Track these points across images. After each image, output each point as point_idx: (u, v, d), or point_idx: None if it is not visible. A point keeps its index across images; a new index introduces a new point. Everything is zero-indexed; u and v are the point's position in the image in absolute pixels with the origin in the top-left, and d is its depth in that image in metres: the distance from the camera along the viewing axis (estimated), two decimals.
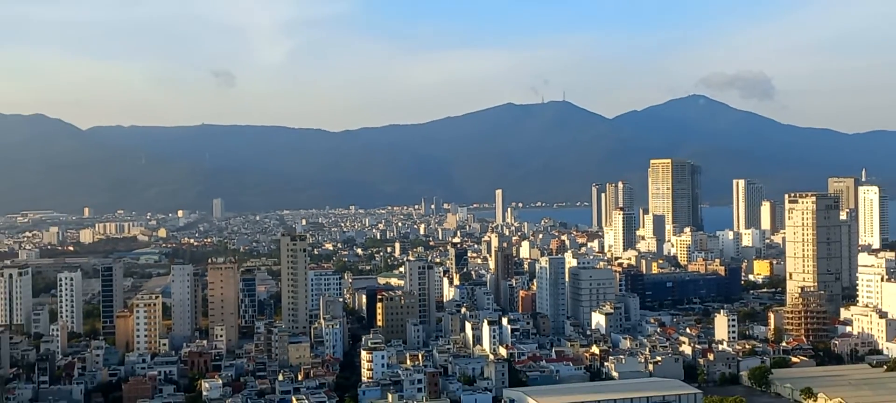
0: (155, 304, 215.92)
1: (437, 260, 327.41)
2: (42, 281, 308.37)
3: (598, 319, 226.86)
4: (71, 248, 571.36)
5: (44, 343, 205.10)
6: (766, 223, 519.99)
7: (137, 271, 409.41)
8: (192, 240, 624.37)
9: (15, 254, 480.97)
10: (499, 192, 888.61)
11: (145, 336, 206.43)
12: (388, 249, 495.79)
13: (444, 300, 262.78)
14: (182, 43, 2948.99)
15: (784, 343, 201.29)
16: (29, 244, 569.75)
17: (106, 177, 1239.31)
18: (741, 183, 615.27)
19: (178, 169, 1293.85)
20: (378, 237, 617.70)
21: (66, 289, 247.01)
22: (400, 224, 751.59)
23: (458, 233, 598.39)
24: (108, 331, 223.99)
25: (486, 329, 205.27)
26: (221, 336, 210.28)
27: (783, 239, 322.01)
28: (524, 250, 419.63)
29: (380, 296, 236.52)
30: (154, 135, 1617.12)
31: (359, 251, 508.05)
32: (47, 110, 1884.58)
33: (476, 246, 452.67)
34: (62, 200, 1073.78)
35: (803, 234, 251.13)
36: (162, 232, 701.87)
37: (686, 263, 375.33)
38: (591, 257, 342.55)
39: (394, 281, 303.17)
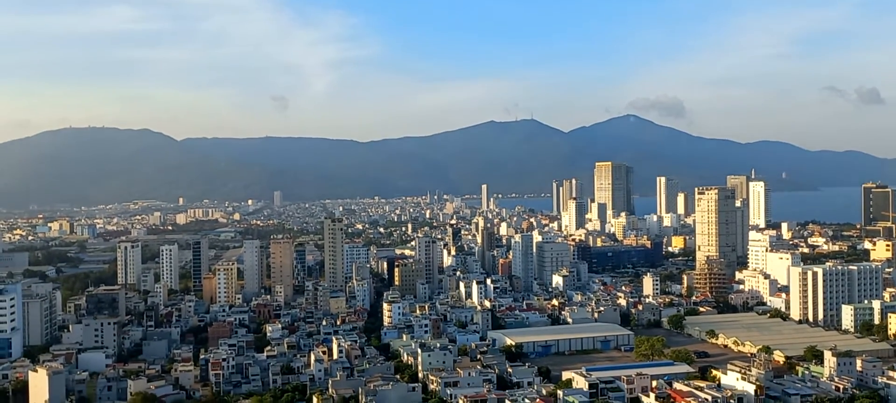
0: (231, 269, 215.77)
1: (439, 236, 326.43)
2: (148, 252, 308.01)
3: (557, 280, 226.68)
4: (170, 228, 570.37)
5: (150, 298, 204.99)
6: (681, 209, 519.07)
7: (218, 245, 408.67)
8: (258, 222, 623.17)
9: (129, 232, 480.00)
10: (484, 186, 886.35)
11: (225, 292, 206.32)
12: (403, 228, 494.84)
13: (444, 266, 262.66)
14: (251, 75, 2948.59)
15: (694, 298, 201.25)
16: (139, 225, 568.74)
17: (195, 176, 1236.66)
18: (663, 180, 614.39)
19: (248, 169, 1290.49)
20: (395, 219, 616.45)
21: (167, 258, 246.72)
22: (411, 210, 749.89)
23: (454, 217, 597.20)
24: (197, 289, 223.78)
25: (474, 287, 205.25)
26: (280, 292, 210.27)
27: (693, 220, 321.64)
28: (503, 229, 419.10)
29: (397, 263, 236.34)
30: (231, 145, 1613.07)
31: (381, 229, 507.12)
32: (152, 126, 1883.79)
33: (467, 225, 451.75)
34: (163, 193, 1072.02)
35: (708, 217, 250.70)
36: (236, 216, 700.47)
37: (622, 238, 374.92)
38: (552, 234, 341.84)
39: (407, 252, 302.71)
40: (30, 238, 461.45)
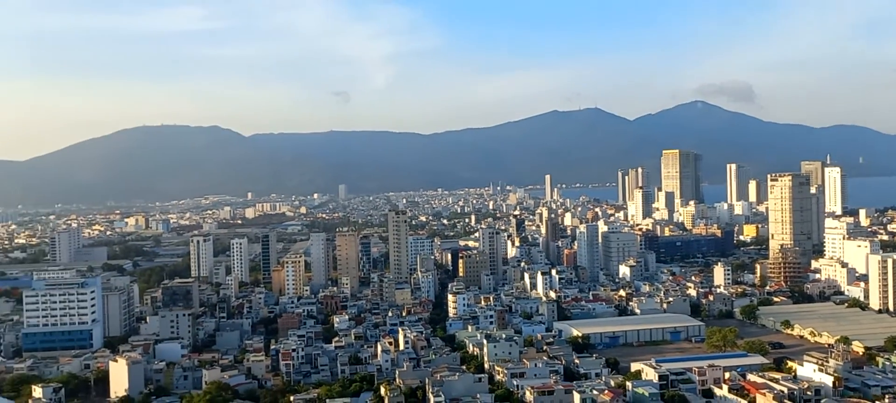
0: (299, 261, 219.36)
1: (502, 227, 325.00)
2: (219, 245, 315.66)
3: (624, 270, 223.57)
4: (239, 222, 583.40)
5: (222, 290, 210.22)
6: (752, 197, 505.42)
7: (286, 238, 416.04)
8: (324, 215, 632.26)
9: (200, 227, 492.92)
10: (547, 177, 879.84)
11: (293, 284, 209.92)
12: (466, 220, 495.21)
13: (508, 256, 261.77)
14: (314, 70, 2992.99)
15: (768, 287, 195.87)
16: (210, 219, 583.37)
17: (263, 171, 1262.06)
18: (733, 166, 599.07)
19: (313, 163, 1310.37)
20: (458, 211, 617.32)
21: (237, 251, 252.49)
22: (474, 201, 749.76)
23: (518, 208, 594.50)
24: (267, 281, 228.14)
25: (539, 278, 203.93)
26: (347, 284, 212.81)
27: (766, 208, 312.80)
28: (567, 219, 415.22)
29: (461, 254, 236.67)
30: (296, 139, 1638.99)
31: (445, 221, 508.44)
32: (221, 122, 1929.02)
33: (531, 216, 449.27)
34: (232, 187, 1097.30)
35: (782, 204, 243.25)
36: (303, 210, 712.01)
37: (691, 228, 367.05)
38: (618, 224, 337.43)
39: (471, 243, 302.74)
40: (108, 233, 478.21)
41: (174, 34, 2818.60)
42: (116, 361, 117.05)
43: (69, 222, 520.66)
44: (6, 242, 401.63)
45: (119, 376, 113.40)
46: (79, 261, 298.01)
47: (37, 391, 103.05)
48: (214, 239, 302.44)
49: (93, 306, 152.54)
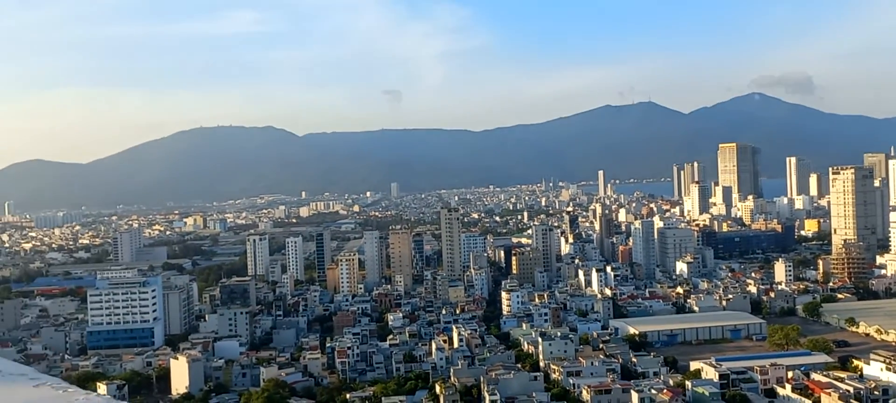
0: (353, 260, 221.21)
1: (556, 224, 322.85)
2: (275, 244, 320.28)
3: (681, 267, 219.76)
4: (294, 221, 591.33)
5: (278, 288, 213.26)
6: (813, 190, 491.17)
7: (340, 236, 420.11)
8: (377, 213, 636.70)
9: (256, 226, 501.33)
10: (601, 172, 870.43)
11: (347, 282, 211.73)
12: (519, 217, 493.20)
13: (562, 253, 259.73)
14: (366, 71, 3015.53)
15: (831, 284, 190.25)
16: (265, 218, 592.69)
17: (316, 170, 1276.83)
18: (793, 159, 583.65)
19: (366, 162, 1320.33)
20: (511, 208, 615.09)
21: (292, 250, 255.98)
22: (527, 198, 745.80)
23: (571, 204, 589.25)
24: (321, 279, 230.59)
25: (594, 275, 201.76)
26: (400, 281, 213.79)
27: (828, 202, 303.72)
28: (621, 215, 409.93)
29: (514, 252, 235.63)
30: (349, 138, 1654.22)
31: (497, 218, 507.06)
32: (275, 122, 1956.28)
33: (585, 213, 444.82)
34: (287, 187, 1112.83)
35: (845, 198, 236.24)
36: (356, 208, 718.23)
37: (750, 223, 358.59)
38: (674, 220, 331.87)
39: (524, 240, 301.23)
40: (167, 233, 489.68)
41: (228, 38, 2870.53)
42: (177, 359, 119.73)
43: (130, 222, 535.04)
44: (71, 242, 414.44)
45: (180, 373, 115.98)
46: (140, 261, 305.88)
47: (101, 387, 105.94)
48: (270, 238, 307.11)
49: (154, 304, 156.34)
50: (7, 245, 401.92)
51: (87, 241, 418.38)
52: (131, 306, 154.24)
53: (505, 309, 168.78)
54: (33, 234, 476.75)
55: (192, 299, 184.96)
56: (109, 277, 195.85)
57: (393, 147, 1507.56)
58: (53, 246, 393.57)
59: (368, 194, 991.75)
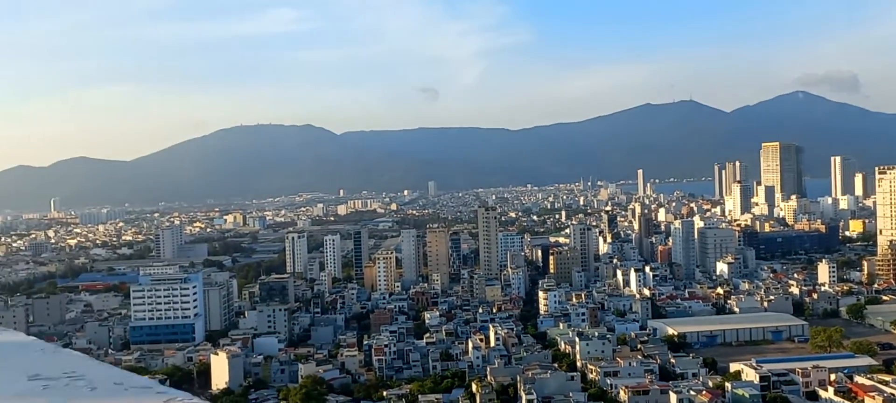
0: (390, 258, 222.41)
1: (594, 223, 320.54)
2: (313, 241, 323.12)
3: (721, 267, 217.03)
4: (332, 219, 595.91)
5: (316, 286, 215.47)
6: (858, 190, 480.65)
7: (377, 234, 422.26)
8: (414, 212, 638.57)
9: (295, 223, 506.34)
10: (640, 171, 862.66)
11: (384, 280, 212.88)
12: (556, 216, 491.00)
13: (600, 253, 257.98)
14: (403, 70, 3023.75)
15: (876, 285, 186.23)
16: (304, 216, 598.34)
17: (354, 168, 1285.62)
18: (837, 159, 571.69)
19: (403, 160, 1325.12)
20: (548, 207, 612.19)
21: (330, 247, 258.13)
22: (564, 197, 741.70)
23: (609, 203, 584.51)
24: (359, 277, 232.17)
25: (633, 275, 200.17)
26: (437, 280, 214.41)
27: (874, 202, 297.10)
28: (661, 215, 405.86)
29: (551, 251, 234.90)
30: (386, 137, 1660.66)
31: (534, 217, 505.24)
32: (313, 121, 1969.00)
33: (623, 212, 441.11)
34: (325, 185, 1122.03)
35: (891, 198, 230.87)
36: (393, 206, 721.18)
37: (793, 223, 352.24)
38: (715, 219, 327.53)
39: (561, 240, 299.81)
40: (208, 230, 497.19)
41: (268, 37, 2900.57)
42: (217, 354, 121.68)
43: (172, 219, 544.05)
44: (114, 239, 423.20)
45: (220, 369, 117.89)
46: (181, 257, 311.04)
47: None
48: (308, 236, 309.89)
49: (195, 301, 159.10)
50: (53, 241, 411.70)
51: (130, 238, 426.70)
52: (173, 302, 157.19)
53: (542, 308, 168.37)
54: (78, 230, 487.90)
55: (231, 295, 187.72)
56: (152, 273, 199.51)
57: (430, 145, 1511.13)
58: (97, 242, 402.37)
59: (405, 192, 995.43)
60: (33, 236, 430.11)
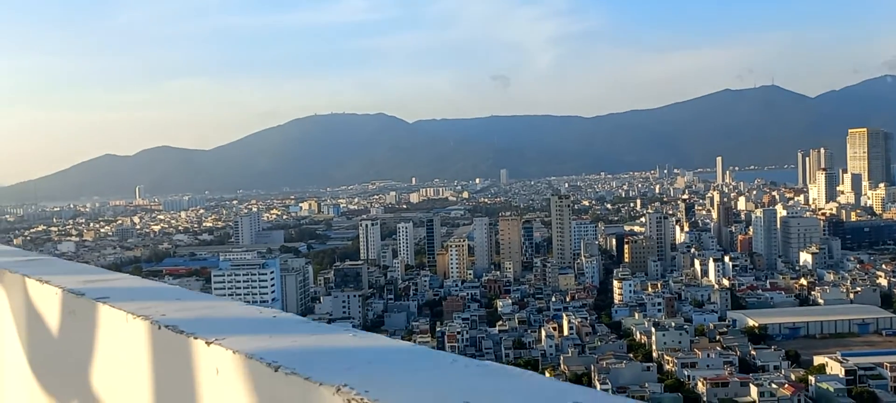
0: (463, 245, 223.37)
1: (670, 212, 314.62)
2: (386, 229, 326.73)
3: (805, 257, 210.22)
4: (404, 206, 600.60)
5: (389, 272, 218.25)
6: None
7: (449, 222, 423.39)
8: (486, 200, 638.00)
9: (368, 211, 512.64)
10: (719, 159, 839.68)
11: (457, 267, 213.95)
12: (631, 204, 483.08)
13: (677, 242, 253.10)
14: (475, 57, 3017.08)
15: None
16: (377, 204, 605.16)
17: (426, 156, 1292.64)
18: None
19: (475, 148, 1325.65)
20: (623, 195, 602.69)
21: (403, 235, 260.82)
22: (639, 185, 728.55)
23: (686, 191, 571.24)
24: (431, 264, 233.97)
25: (711, 264, 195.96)
26: (509, 268, 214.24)
27: None
28: (741, 203, 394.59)
29: (626, 240, 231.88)
30: (458, 125, 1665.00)
31: (608, 206, 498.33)
32: (386, 109, 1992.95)
33: (701, 200, 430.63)
34: (397, 173, 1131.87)
35: None
36: (465, 194, 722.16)
37: (881, 212, 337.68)
38: (798, 208, 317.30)
39: (636, 228, 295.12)
40: (284, 217, 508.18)
41: (340, 26, 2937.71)
42: None
43: (250, 206, 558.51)
44: (195, 225, 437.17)
45: None
46: (259, 243, 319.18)
47: None
48: (381, 223, 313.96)
49: (272, 286, 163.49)
50: (138, 227, 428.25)
51: (211, 224, 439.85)
52: (252, 287, 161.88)
53: (616, 297, 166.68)
54: (161, 217, 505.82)
55: (307, 281, 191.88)
56: (231, 259, 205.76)
57: (502, 133, 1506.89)
58: (180, 228, 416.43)
59: (477, 181, 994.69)
60: (120, 222, 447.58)
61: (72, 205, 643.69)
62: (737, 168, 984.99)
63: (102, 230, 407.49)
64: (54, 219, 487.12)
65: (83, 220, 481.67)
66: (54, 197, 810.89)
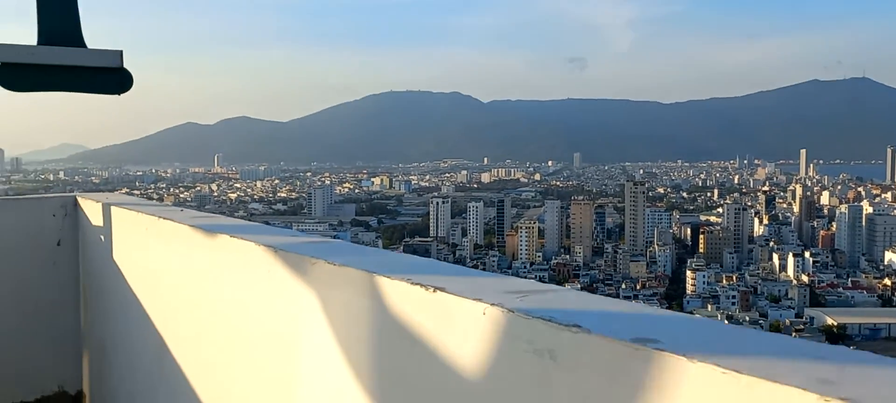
0: (533, 227, 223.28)
1: (749, 203, 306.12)
2: (456, 207, 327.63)
3: (890, 256, 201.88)
4: (475, 186, 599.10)
5: (458, 250, 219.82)
6: None
7: (520, 204, 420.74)
8: (558, 183, 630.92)
9: (439, 189, 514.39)
10: (802, 151, 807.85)
11: (526, 249, 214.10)
12: (708, 194, 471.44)
13: (754, 235, 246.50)
14: (552, 38, 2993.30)
15: None
16: (448, 182, 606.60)
17: (499, 136, 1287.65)
18: None
19: (548, 130, 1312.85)
20: (700, 184, 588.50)
21: (473, 214, 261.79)
22: (717, 174, 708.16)
23: (767, 183, 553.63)
24: (500, 245, 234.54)
25: (790, 259, 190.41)
26: (579, 252, 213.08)
27: None
28: (824, 198, 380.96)
29: (702, 230, 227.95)
30: (532, 106, 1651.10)
31: (684, 194, 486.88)
32: (461, 89, 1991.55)
33: (782, 193, 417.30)
34: (470, 152, 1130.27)
35: None
36: (537, 176, 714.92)
37: None
38: (885, 205, 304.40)
39: (713, 219, 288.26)
40: (356, 191, 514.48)
41: (419, 3, 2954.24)
42: None
43: (323, 179, 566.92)
44: (270, 194, 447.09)
45: None
46: (331, 216, 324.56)
47: None
48: (452, 202, 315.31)
49: None
50: (215, 194, 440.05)
51: (285, 195, 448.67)
52: None
53: (689, 288, 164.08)
54: (238, 185, 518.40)
55: None
56: (304, 230, 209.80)
57: (577, 116, 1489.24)
58: (255, 197, 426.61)
59: (550, 163, 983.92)
60: (198, 188, 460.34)
61: (154, 170, 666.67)
62: (821, 161, 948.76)
63: (182, 195, 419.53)
64: (137, 183, 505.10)
65: (164, 185, 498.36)
66: (138, 161, 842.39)
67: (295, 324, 3.01)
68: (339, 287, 2.71)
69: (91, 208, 6.08)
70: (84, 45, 4.39)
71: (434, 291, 2.28)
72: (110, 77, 4.57)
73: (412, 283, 2.38)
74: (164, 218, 4.61)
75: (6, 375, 5.95)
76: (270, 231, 4.47)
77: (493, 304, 2.16)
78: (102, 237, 5.70)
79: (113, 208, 5.55)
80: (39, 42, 4.30)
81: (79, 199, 6.44)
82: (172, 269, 4.56)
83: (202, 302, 4.12)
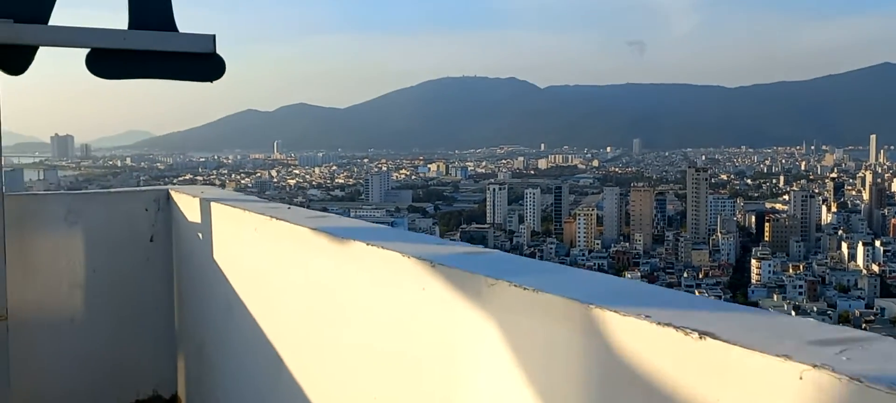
0: (591, 214, 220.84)
1: (816, 190, 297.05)
2: (513, 194, 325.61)
3: None
4: (532, 172, 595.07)
5: (515, 237, 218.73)
6: None
7: (577, 190, 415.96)
8: (617, 169, 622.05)
9: (495, 175, 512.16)
10: (873, 136, 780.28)
11: (584, 236, 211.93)
12: (773, 180, 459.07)
13: (822, 223, 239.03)
14: (608, 20, 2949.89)
15: None
16: (505, 168, 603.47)
17: (557, 122, 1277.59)
18: None
19: (607, 116, 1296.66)
20: (764, 171, 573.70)
21: (530, 200, 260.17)
22: (783, 161, 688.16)
23: (835, 169, 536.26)
24: (558, 232, 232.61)
25: (860, 248, 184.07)
26: (639, 240, 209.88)
27: None
28: (895, 185, 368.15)
29: (767, 217, 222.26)
30: (591, 91, 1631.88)
31: (748, 181, 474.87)
32: (517, 74, 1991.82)
33: (851, 180, 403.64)
34: (527, 138, 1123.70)
35: None
36: (595, 163, 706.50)
37: None
38: None
39: (778, 206, 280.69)
40: (413, 177, 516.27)
41: None
42: None
43: (380, 165, 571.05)
44: (328, 181, 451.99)
45: None
46: (388, 202, 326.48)
47: None
48: (508, 188, 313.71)
49: None
50: (275, 180, 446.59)
51: (342, 181, 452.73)
52: None
53: (754, 277, 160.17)
54: (297, 172, 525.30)
55: None
56: (361, 216, 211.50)
57: (636, 101, 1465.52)
58: (314, 183, 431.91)
59: (608, 149, 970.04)
60: (259, 174, 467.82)
61: (216, 157, 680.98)
62: (892, 147, 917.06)
63: (243, 181, 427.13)
64: (199, 169, 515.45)
65: (225, 171, 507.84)
66: (200, 147, 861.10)
67: (463, 358, 2.32)
68: (537, 317, 2.00)
69: (185, 202, 5.84)
70: (176, 30, 4.24)
71: (700, 338, 1.62)
72: (202, 64, 4.39)
73: (658, 324, 1.75)
74: (278, 219, 4.17)
75: (100, 376, 5.74)
76: (408, 236, 3.86)
77: (815, 365, 1.42)
78: (200, 234, 5.42)
79: (212, 204, 5.24)
80: (130, 26, 4.15)
81: (172, 193, 6.22)
82: (288, 274, 4.14)
83: (327, 313, 3.67)
